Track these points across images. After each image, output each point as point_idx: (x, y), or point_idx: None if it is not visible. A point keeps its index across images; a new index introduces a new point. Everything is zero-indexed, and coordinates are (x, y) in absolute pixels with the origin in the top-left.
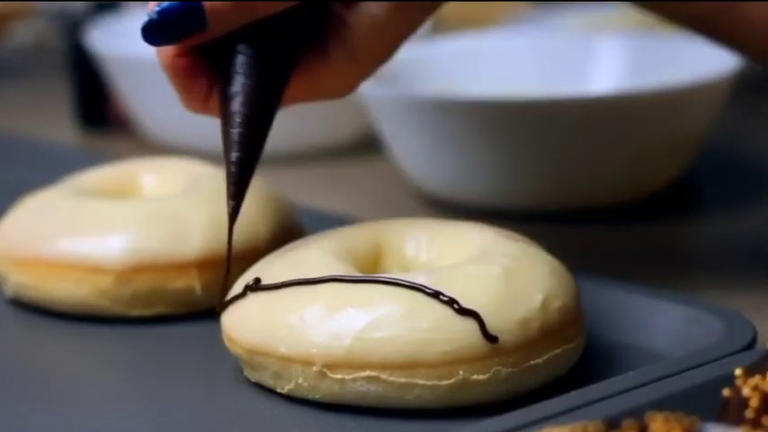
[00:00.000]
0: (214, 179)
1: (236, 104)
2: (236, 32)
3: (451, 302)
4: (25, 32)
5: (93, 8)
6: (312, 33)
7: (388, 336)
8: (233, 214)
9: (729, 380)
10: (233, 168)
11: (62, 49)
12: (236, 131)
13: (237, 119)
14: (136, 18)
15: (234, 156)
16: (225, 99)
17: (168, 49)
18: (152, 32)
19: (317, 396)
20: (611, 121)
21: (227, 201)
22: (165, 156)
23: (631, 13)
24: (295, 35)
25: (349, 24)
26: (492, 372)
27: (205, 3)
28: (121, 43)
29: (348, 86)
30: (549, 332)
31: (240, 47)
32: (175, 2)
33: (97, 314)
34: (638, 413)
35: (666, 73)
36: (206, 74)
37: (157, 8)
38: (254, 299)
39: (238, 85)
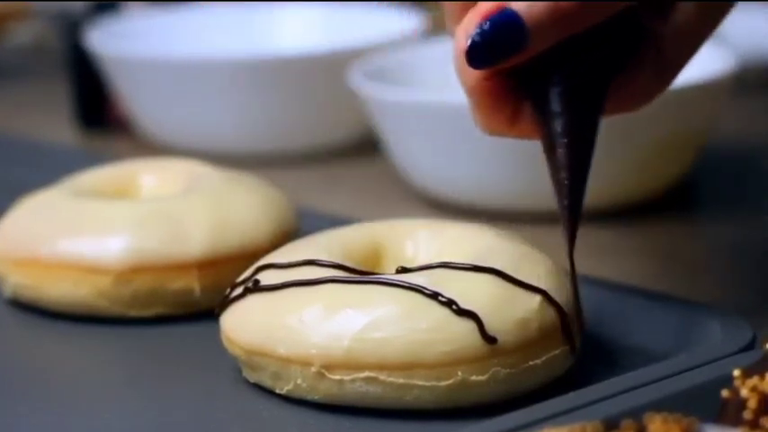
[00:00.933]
0: (214, 180)
1: (560, 125)
2: (551, 53)
3: (450, 303)
4: (24, 33)
5: (93, 9)
6: (628, 46)
7: (386, 336)
8: (571, 239)
9: (728, 381)
10: (567, 192)
11: (61, 49)
12: (564, 153)
13: (563, 138)
14: (135, 19)
15: (566, 178)
16: (544, 120)
17: (475, 72)
18: (476, 55)
19: (316, 397)
20: (611, 123)
21: (563, 227)
22: (164, 156)
23: None
24: (613, 47)
25: (662, 35)
26: (491, 372)
27: (523, 17)
28: (121, 44)
29: (651, 97)
30: (547, 333)
31: (556, 65)
32: (495, 19)
33: (96, 315)
34: (636, 414)
35: None
36: (512, 96)
37: (478, 29)
38: (252, 299)
39: (560, 103)
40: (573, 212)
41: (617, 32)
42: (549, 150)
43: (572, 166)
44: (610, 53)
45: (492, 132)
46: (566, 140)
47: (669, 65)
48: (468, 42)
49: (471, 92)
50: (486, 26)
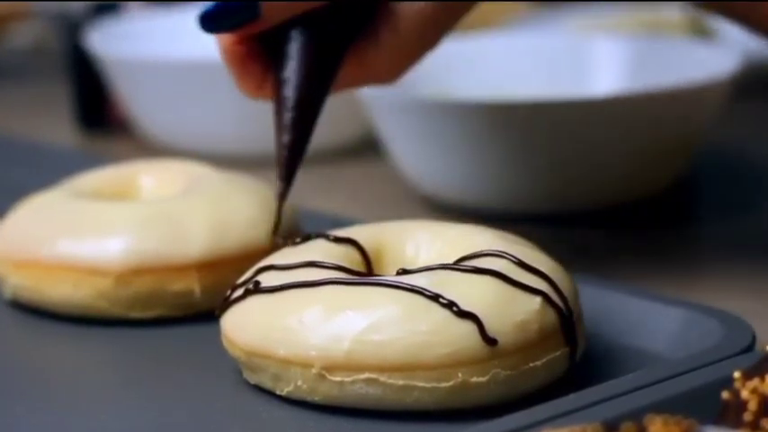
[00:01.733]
0: (213, 181)
1: (288, 89)
2: (290, 20)
3: (451, 305)
4: (24, 34)
5: (93, 10)
6: (362, 20)
7: (387, 338)
8: (282, 195)
9: (728, 382)
10: (284, 151)
11: (61, 50)
12: (287, 116)
13: (289, 103)
14: (135, 20)
15: (285, 139)
16: (278, 84)
17: (226, 36)
18: (208, 21)
19: (316, 398)
20: (610, 124)
21: (277, 182)
22: (164, 157)
23: (631, 16)
24: (346, 22)
25: (397, 14)
26: (491, 374)
27: None
28: (121, 45)
29: (397, 71)
30: (547, 335)
31: (293, 33)
32: None
33: (96, 316)
34: (636, 416)
35: (665, 75)
36: (262, 60)
37: None
38: (253, 301)
39: (290, 70)
40: (287, 176)
41: (349, 8)
42: (276, 113)
43: (293, 130)
44: (340, 26)
45: (245, 93)
46: (290, 104)
47: (411, 42)
48: (203, 9)
49: (223, 55)
50: None
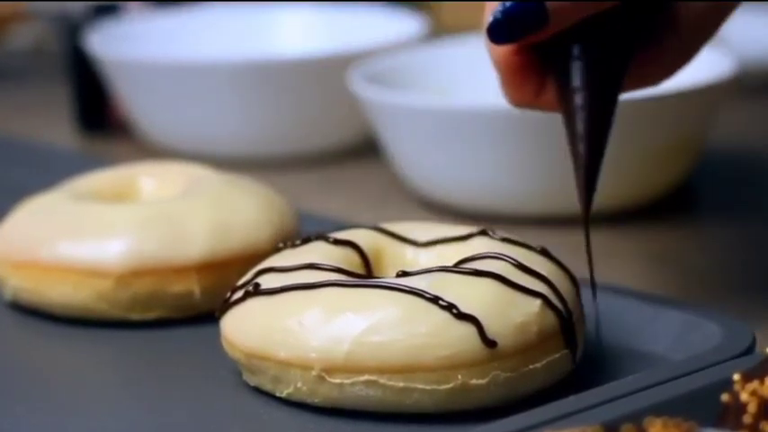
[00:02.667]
0: (214, 182)
1: (581, 98)
2: (573, 27)
3: (450, 307)
4: (24, 35)
5: (93, 11)
6: (646, 23)
7: (386, 340)
8: (586, 207)
9: (728, 385)
10: (584, 162)
11: (61, 52)
12: (582, 126)
13: (583, 112)
14: (135, 22)
15: (583, 149)
16: (566, 94)
17: (503, 47)
18: (497, 31)
19: (316, 400)
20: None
21: (579, 194)
22: (164, 159)
23: None
24: (632, 25)
25: (677, 14)
26: (490, 376)
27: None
28: (121, 47)
29: (673, 71)
30: (547, 337)
31: (578, 42)
32: (518, 1)
33: (96, 318)
34: (636, 418)
35: None
36: (538, 70)
37: (501, 8)
38: (253, 303)
39: (581, 78)
40: (588, 184)
41: (635, 11)
42: (569, 123)
43: (590, 139)
44: (629, 31)
45: (519, 105)
46: (585, 114)
47: (693, 39)
48: (491, 19)
49: (498, 66)
50: (507, 5)
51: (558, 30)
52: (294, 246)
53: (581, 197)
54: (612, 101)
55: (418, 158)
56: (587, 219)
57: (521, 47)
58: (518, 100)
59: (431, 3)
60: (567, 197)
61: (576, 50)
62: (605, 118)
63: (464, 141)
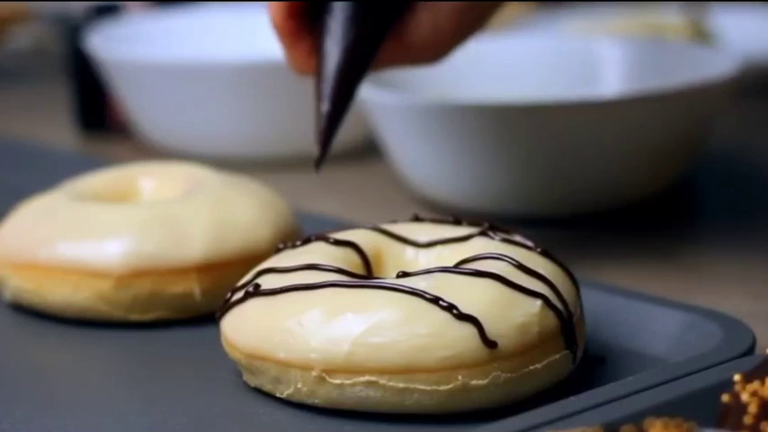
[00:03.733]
0: (214, 183)
1: (329, 61)
2: None
3: (451, 308)
4: (24, 36)
5: (93, 12)
6: (398, 5)
7: (387, 341)
8: (319, 160)
9: (728, 385)
10: (322, 120)
11: (62, 52)
12: (326, 86)
13: (329, 75)
14: (135, 22)
15: (324, 107)
16: (319, 57)
17: (279, 12)
18: None
19: (317, 401)
20: (612, 126)
21: (317, 147)
22: (164, 160)
23: (632, 19)
24: (383, 5)
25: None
26: (491, 377)
27: None
28: (121, 48)
29: (437, 53)
30: (548, 337)
31: (337, 8)
32: None
33: (96, 318)
34: (636, 418)
35: (666, 77)
36: (310, 36)
37: None
38: (253, 303)
39: (331, 42)
40: (324, 144)
41: None
42: (317, 83)
43: (332, 101)
44: (383, 3)
45: (294, 67)
46: (331, 75)
47: (445, 27)
48: None
49: (277, 30)
50: None
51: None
52: (294, 246)
53: (318, 153)
54: (360, 68)
55: (418, 159)
56: (321, 160)
57: (294, 11)
58: (292, 62)
59: None
60: (568, 198)
61: (330, 16)
62: (350, 82)
63: (464, 142)
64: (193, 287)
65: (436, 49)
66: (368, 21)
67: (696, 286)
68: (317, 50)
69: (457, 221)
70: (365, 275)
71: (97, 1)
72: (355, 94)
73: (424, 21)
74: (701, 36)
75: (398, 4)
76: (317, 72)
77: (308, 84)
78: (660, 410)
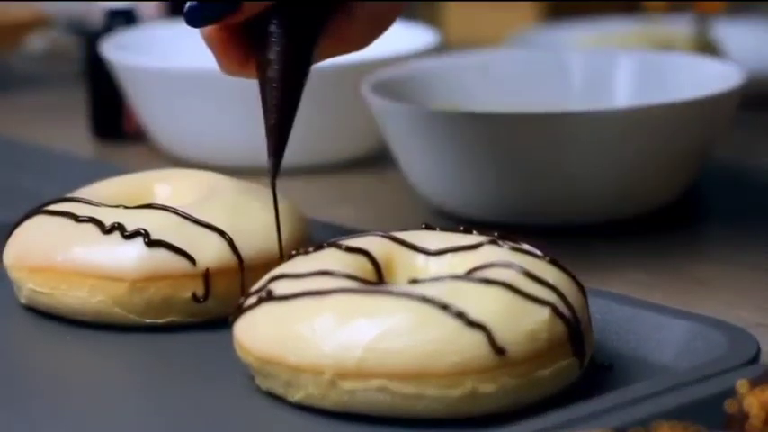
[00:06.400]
0: (228, 189)
1: (272, 71)
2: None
3: (461, 315)
4: (40, 42)
5: (110, 19)
6: (330, 7)
7: (398, 346)
8: (274, 170)
9: (733, 393)
10: (273, 130)
11: (78, 59)
12: (273, 95)
13: (274, 84)
14: (151, 30)
15: (273, 118)
16: (261, 66)
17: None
18: (192, 16)
19: (327, 405)
20: (619, 137)
21: (268, 158)
22: (179, 167)
23: (638, 31)
24: (319, 2)
25: None
26: (500, 383)
27: None
28: (136, 55)
29: (369, 39)
30: (556, 344)
31: (271, 17)
32: None
33: (110, 322)
34: (643, 424)
35: (671, 89)
36: (243, 42)
37: None
38: (265, 308)
39: (272, 52)
40: (276, 152)
41: None
42: (262, 93)
43: (280, 111)
44: (315, 7)
45: (227, 73)
46: (275, 85)
47: (377, 15)
48: (187, 5)
49: (206, 40)
50: None
51: (249, 15)
52: (307, 253)
53: (270, 163)
54: (301, 72)
55: (429, 167)
56: (274, 185)
57: (224, 25)
58: (225, 68)
59: (440, 16)
60: (575, 209)
61: (267, 27)
62: (294, 89)
63: (474, 151)
64: (207, 292)
65: (370, 38)
66: (302, 27)
67: (702, 296)
68: (257, 60)
69: (467, 230)
70: (376, 282)
71: (113, 1)
72: (300, 99)
73: (357, 14)
74: (706, 48)
75: (329, 4)
76: (260, 82)
77: (320, 94)
78: (666, 417)
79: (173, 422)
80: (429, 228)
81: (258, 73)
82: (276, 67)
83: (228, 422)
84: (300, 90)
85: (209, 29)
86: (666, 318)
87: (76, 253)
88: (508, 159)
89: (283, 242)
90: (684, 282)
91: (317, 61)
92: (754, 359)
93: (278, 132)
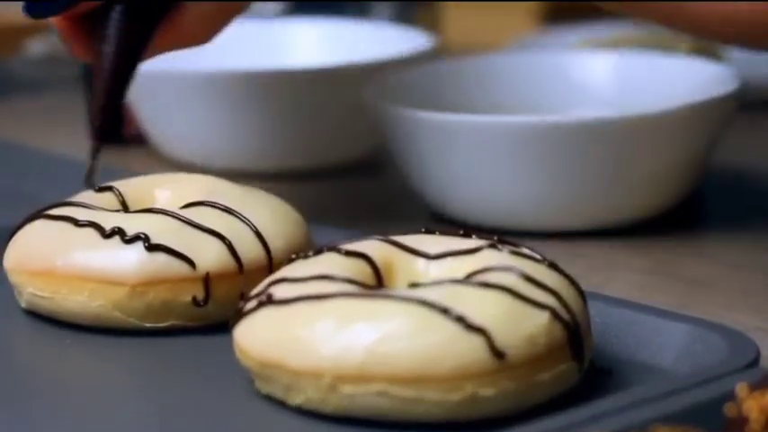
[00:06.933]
0: (228, 194)
1: (105, 61)
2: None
3: (460, 319)
4: (40, 46)
5: None
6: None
7: (398, 350)
8: (95, 151)
9: (732, 397)
10: (98, 114)
11: (78, 63)
12: (103, 84)
13: (104, 74)
14: None
15: (100, 103)
16: (97, 55)
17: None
18: (34, 9)
19: (327, 409)
20: (615, 143)
21: (91, 141)
22: (179, 171)
23: (636, 35)
24: (152, 5)
25: None
26: (499, 387)
27: None
28: None
29: (206, 35)
30: (555, 348)
31: (110, 11)
32: None
33: (110, 326)
34: (642, 428)
35: (669, 93)
36: (89, 33)
37: None
38: (265, 312)
39: (107, 44)
40: (99, 137)
41: None
42: (96, 79)
43: (107, 97)
44: (150, 4)
45: (77, 57)
46: (106, 76)
47: (210, 13)
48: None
49: (56, 25)
50: None
51: (88, 9)
52: (306, 257)
53: (92, 144)
54: (131, 65)
55: (429, 172)
56: (95, 161)
57: (71, 14)
58: (77, 54)
59: (440, 21)
60: (575, 213)
61: (105, 19)
62: (122, 79)
63: (475, 156)
64: (207, 296)
65: (206, 34)
66: (137, 22)
67: (702, 299)
68: (96, 49)
69: (466, 234)
70: (376, 286)
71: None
72: (128, 88)
73: (191, 10)
74: (704, 51)
75: (165, 2)
76: (95, 70)
77: (324, 96)
78: (665, 421)
79: (172, 426)
80: (429, 232)
81: (95, 61)
82: (108, 57)
83: (228, 426)
84: (129, 80)
85: (57, 19)
86: (666, 321)
87: (77, 257)
88: (508, 165)
89: (284, 246)
90: (684, 285)
91: (156, 54)
92: (754, 363)
93: (103, 119)
